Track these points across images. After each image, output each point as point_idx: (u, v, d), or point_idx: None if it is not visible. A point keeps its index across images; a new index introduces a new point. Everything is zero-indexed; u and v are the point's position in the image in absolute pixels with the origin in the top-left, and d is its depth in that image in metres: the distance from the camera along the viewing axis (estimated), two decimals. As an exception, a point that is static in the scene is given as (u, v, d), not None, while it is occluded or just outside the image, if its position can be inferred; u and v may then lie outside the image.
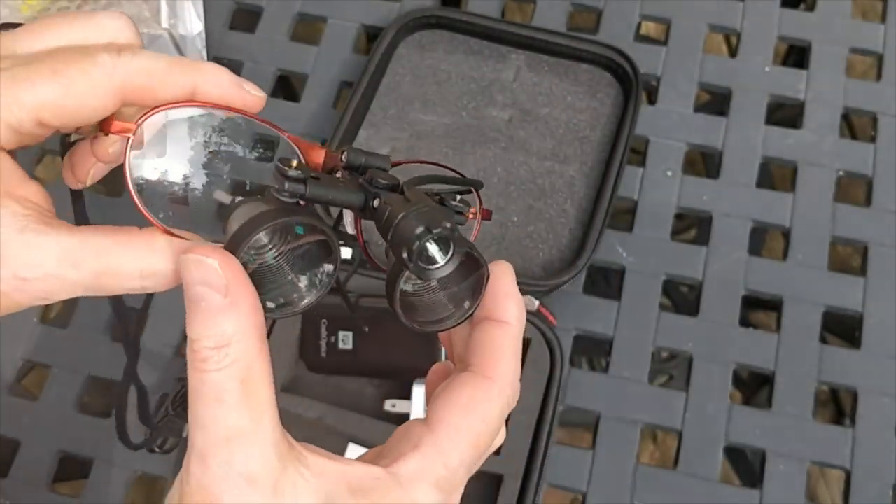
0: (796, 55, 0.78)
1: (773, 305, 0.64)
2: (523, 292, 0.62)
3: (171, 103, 0.29)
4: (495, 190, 0.67)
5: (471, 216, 0.34)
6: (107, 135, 0.29)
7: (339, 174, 0.31)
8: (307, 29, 0.79)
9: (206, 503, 0.26)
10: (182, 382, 0.61)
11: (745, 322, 0.64)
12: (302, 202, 0.28)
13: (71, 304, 0.68)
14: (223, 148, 0.32)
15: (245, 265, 0.27)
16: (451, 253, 0.28)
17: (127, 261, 0.28)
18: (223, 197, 0.32)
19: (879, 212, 0.66)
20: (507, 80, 0.71)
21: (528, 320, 0.61)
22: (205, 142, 0.32)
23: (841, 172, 0.68)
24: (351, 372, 0.62)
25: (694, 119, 0.70)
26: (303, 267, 0.29)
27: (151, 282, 0.28)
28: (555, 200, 0.66)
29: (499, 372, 0.30)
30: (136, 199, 0.28)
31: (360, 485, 0.28)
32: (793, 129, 0.69)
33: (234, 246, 0.27)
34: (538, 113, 0.69)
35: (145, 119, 0.29)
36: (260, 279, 0.28)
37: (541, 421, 0.59)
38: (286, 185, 0.27)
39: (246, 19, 0.77)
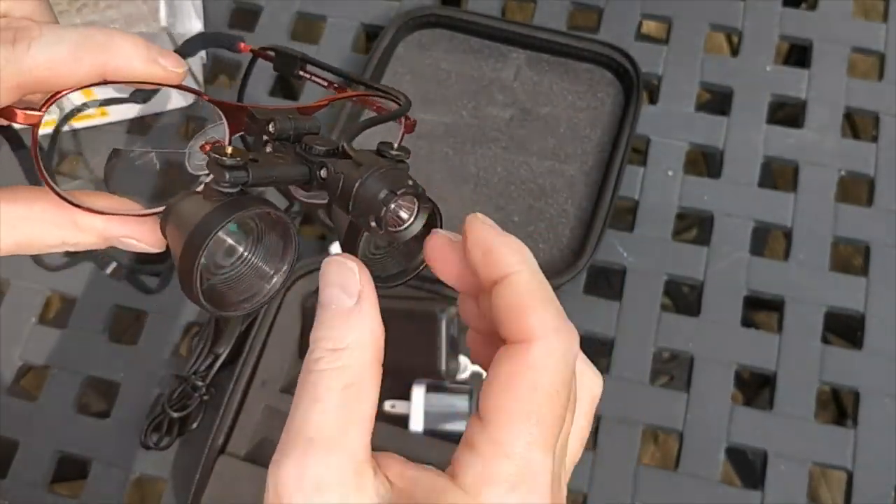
0: (798, 54, 0.78)
1: (775, 305, 0.64)
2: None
3: (77, 87, 0.27)
4: (495, 190, 0.67)
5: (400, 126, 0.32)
6: (9, 125, 0.28)
7: (268, 148, 0.29)
8: (307, 28, 0.78)
9: (277, 502, 0.25)
10: (180, 381, 0.61)
11: (746, 322, 0.63)
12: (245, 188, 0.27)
13: (70, 305, 0.68)
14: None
15: (208, 269, 0.27)
16: (416, 210, 0.27)
17: (50, 234, 0.28)
18: (148, 167, 0.31)
19: (881, 211, 0.66)
20: (507, 79, 0.70)
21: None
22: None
23: (843, 172, 0.67)
24: (351, 372, 0.62)
25: (695, 118, 0.70)
26: (265, 257, 0.29)
27: (74, 248, 0.29)
28: (555, 200, 0.66)
29: (527, 328, 0.25)
30: (51, 185, 0.27)
31: (426, 499, 0.25)
32: (794, 129, 0.69)
33: (192, 253, 0.26)
34: (538, 112, 0.69)
35: (50, 105, 0.27)
36: (230, 281, 0.28)
37: (541, 421, 0.59)
38: (227, 176, 0.26)
39: (245, 18, 0.76)
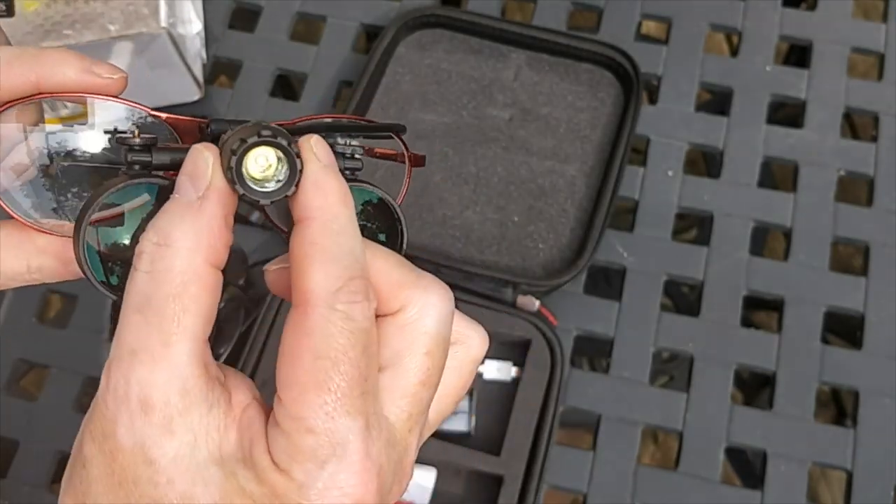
0: (797, 54, 0.78)
1: (775, 306, 0.64)
2: (524, 292, 0.62)
3: (10, 102, 0.27)
4: (495, 190, 0.67)
5: (398, 160, 0.31)
6: None
7: None
8: (307, 28, 0.78)
9: (101, 425, 0.24)
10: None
11: (746, 322, 0.63)
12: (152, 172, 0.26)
13: (70, 305, 0.68)
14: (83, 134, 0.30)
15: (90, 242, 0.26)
16: (286, 169, 0.25)
17: (14, 260, 0.28)
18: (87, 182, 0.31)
19: (881, 212, 0.66)
20: (507, 79, 0.70)
21: (528, 321, 0.61)
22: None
23: (842, 172, 0.67)
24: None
25: (695, 118, 0.70)
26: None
27: (39, 276, 0.28)
28: (555, 200, 0.66)
29: (307, 288, 0.24)
30: (4, 205, 0.27)
31: (249, 447, 0.24)
32: (794, 129, 0.69)
33: (77, 225, 0.25)
34: (539, 112, 0.69)
35: None
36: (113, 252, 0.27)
37: (541, 421, 0.59)
38: (129, 157, 0.25)
39: (245, 18, 0.76)
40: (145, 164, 0.26)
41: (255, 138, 0.24)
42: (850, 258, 0.73)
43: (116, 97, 0.28)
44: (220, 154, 0.25)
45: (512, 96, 0.70)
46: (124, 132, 0.26)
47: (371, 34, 0.76)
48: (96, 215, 0.26)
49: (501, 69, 0.71)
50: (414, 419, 0.26)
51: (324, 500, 0.23)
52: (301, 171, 0.25)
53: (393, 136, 0.31)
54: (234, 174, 0.24)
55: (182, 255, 0.24)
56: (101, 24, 0.63)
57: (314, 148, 0.25)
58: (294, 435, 0.23)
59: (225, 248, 0.25)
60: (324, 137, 0.26)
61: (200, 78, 0.71)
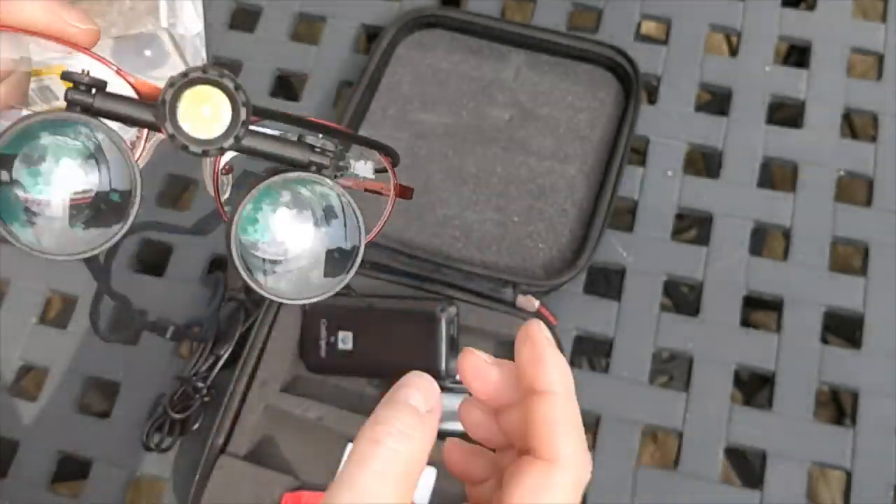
0: (797, 55, 0.78)
1: (774, 306, 0.64)
2: (524, 292, 0.62)
3: None
4: (495, 190, 0.67)
5: (384, 192, 0.30)
6: None
7: None
8: (307, 28, 0.78)
9: None
10: (181, 382, 0.61)
11: (745, 322, 0.63)
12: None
13: (70, 306, 0.68)
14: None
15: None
16: (229, 109, 0.22)
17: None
18: None
19: (880, 212, 0.66)
20: (507, 79, 0.70)
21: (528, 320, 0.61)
22: None
23: (842, 172, 0.67)
24: (351, 372, 0.62)
25: (694, 119, 0.70)
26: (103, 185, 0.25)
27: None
28: (555, 200, 0.66)
29: (556, 451, 0.28)
30: None
31: None
32: (793, 129, 0.69)
33: None
34: (538, 112, 0.69)
35: None
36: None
37: (541, 421, 0.59)
38: (69, 95, 0.23)
39: (245, 19, 0.76)
40: (86, 107, 0.24)
41: (199, 73, 0.22)
42: (850, 258, 0.73)
43: (86, 50, 0.27)
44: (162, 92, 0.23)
45: (512, 96, 0.70)
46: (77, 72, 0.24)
47: (371, 34, 0.76)
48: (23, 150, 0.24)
49: (501, 69, 0.71)
50: None
51: None
52: (244, 123, 0.23)
53: (382, 157, 0.30)
54: (167, 109, 0.22)
55: (417, 447, 0.27)
56: (102, 24, 0.63)
57: (545, 331, 0.30)
58: None
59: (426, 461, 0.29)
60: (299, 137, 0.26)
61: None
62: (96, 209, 0.26)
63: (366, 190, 0.32)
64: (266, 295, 0.26)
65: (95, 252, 0.25)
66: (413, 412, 0.28)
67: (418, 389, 0.29)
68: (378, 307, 0.61)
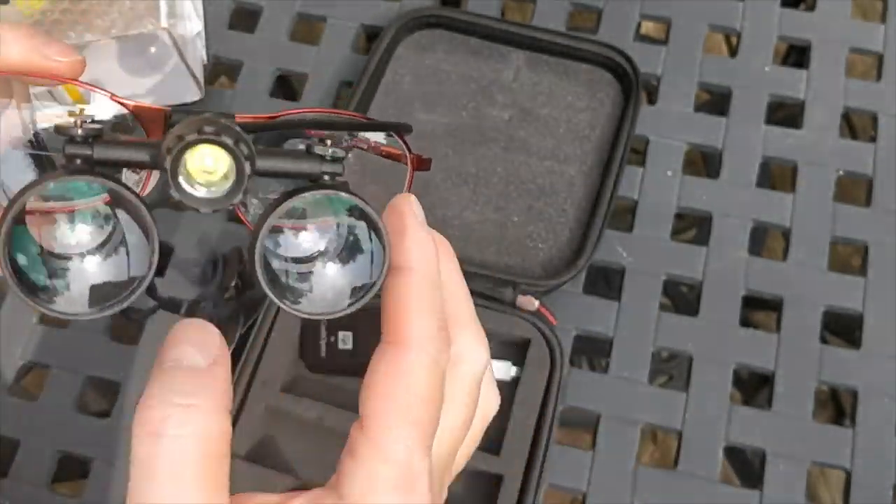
0: (796, 55, 0.78)
1: (774, 305, 0.64)
2: (523, 292, 0.62)
3: None
4: (495, 190, 0.67)
5: (403, 161, 0.29)
6: None
7: None
8: (306, 28, 0.78)
9: None
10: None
11: (745, 322, 0.63)
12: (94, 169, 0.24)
13: (70, 304, 0.68)
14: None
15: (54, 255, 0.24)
16: (234, 170, 0.21)
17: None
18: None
19: (880, 212, 0.66)
20: (506, 79, 0.71)
21: (528, 320, 0.61)
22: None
23: (841, 172, 0.68)
24: (351, 372, 0.62)
25: (694, 119, 0.70)
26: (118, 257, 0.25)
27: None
28: (555, 200, 0.66)
29: (407, 333, 0.25)
30: None
31: None
32: (793, 129, 0.69)
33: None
34: (538, 113, 0.69)
35: None
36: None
37: (541, 421, 0.59)
38: (66, 149, 0.23)
39: (245, 19, 0.76)
40: (86, 159, 0.23)
41: (195, 136, 0.22)
42: (849, 258, 0.73)
43: (73, 80, 0.27)
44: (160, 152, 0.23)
45: (511, 97, 0.70)
46: (69, 122, 0.24)
47: (371, 34, 0.76)
48: (32, 206, 0.24)
49: (501, 69, 0.71)
50: (451, 457, 0.28)
51: None
52: (248, 176, 0.23)
53: (394, 136, 0.30)
54: (169, 176, 0.22)
55: (208, 417, 0.24)
56: (102, 24, 0.63)
57: (414, 206, 0.27)
58: (370, 462, 0.24)
59: (230, 417, 0.25)
60: (296, 136, 0.26)
61: (200, 78, 0.71)
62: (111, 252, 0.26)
63: (384, 155, 0.31)
64: (289, 310, 0.26)
65: (123, 305, 0.25)
66: (189, 376, 0.24)
67: (189, 343, 0.24)
68: (378, 307, 0.61)
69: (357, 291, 0.26)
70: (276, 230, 0.27)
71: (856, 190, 0.69)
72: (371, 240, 0.27)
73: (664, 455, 0.99)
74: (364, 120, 0.30)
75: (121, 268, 0.26)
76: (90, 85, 0.27)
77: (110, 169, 0.24)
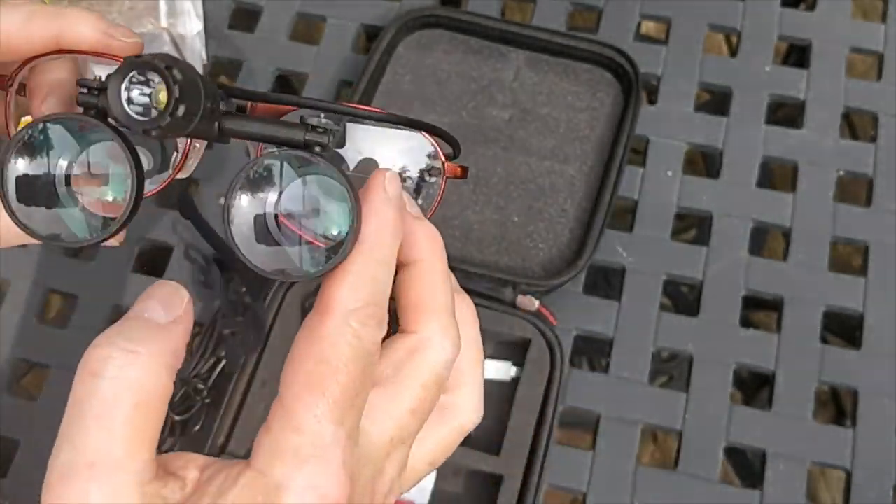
0: (797, 55, 0.78)
1: (774, 305, 0.64)
2: (523, 292, 0.62)
3: (32, 58, 0.29)
4: (495, 189, 0.67)
5: (442, 171, 0.29)
6: None
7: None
8: (306, 28, 0.78)
9: None
10: (182, 383, 0.61)
11: (745, 322, 0.63)
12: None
13: (70, 305, 0.68)
14: None
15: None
16: (169, 98, 0.23)
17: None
18: None
19: (880, 212, 0.66)
20: (506, 79, 0.71)
21: (528, 320, 0.61)
22: None
23: (841, 172, 0.68)
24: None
25: (694, 119, 0.70)
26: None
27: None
28: (555, 200, 0.66)
29: (329, 302, 0.25)
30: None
31: (220, 489, 0.24)
32: (793, 129, 0.69)
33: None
34: (538, 112, 0.69)
35: (17, 75, 0.29)
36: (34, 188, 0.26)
37: (541, 421, 0.59)
38: (80, 98, 0.25)
39: (245, 19, 0.76)
40: (91, 106, 0.25)
41: (134, 58, 0.24)
42: (850, 258, 0.73)
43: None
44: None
45: (511, 96, 0.70)
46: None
47: (371, 34, 0.76)
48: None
49: (501, 69, 0.71)
50: (395, 444, 0.26)
51: (300, 499, 0.23)
52: (177, 99, 0.24)
53: (426, 135, 0.30)
54: (108, 93, 0.24)
55: (153, 368, 0.24)
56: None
57: (386, 180, 0.26)
58: (281, 433, 0.24)
59: (174, 373, 0.25)
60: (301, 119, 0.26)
61: (200, 78, 0.71)
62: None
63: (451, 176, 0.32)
64: (252, 266, 0.25)
65: (111, 231, 0.26)
66: (143, 325, 0.24)
67: (153, 298, 0.25)
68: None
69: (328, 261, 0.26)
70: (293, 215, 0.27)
71: (856, 190, 0.69)
72: (342, 219, 0.27)
73: (664, 455, 0.99)
74: (384, 114, 0.30)
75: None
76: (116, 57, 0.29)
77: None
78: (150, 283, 0.70)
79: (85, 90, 0.25)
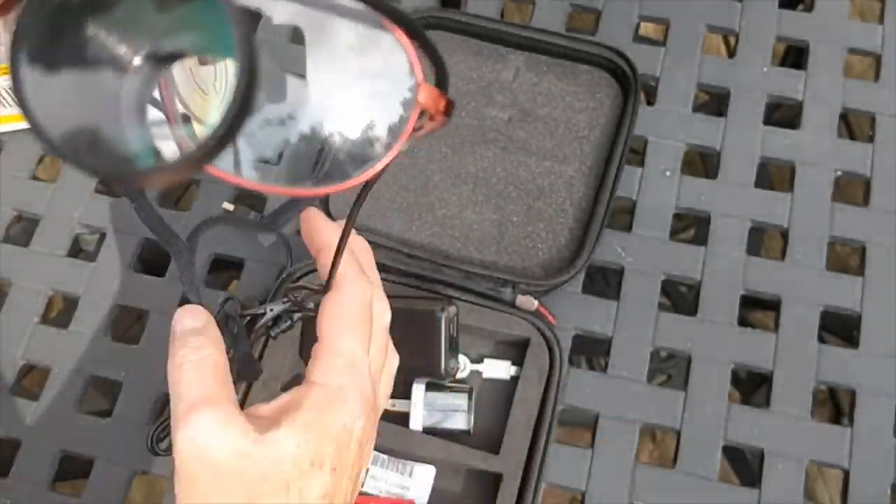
0: (794, 56, 0.78)
1: (772, 305, 0.65)
2: (523, 292, 0.62)
3: None
4: (494, 190, 0.67)
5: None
6: None
7: None
8: (307, 29, 0.78)
9: (189, 448, 0.32)
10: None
11: (743, 322, 0.64)
12: None
13: (72, 305, 0.68)
14: None
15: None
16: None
17: None
18: None
19: (877, 212, 0.66)
20: (506, 80, 0.71)
21: (527, 320, 0.62)
22: None
23: (839, 172, 0.68)
24: (351, 371, 0.62)
25: (692, 119, 0.70)
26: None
27: None
28: (554, 200, 0.67)
29: (341, 277, 0.38)
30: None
31: (296, 401, 0.35)
32: (791, 130, 0.69)
33: None
34: (537, 113, 0.70)
35: None
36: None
37: (540, 420, 0.59)
38: None
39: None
40: None
41: None
42: (847, 258, 0.73)
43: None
44: None
45: (511, 97, 0.70)
46: None
47: (370, 35, 0.76)
48: None
49: (500, 70, 0.71)
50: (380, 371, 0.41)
51: (353, 397, 0.35)
52: None
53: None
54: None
55: (212, 348, 0.36)
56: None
57: (319, 219, 0.40)
58: (328, 356, 0.36)
59: (224, 350, 0.36)
60: None
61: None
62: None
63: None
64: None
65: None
66: (189, 332, 0.35)
67: (187, 316, 0.36)
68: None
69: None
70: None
71: (854, 190, 0.69)
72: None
73: (663, 454, 1.00)
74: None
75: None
76: None
77: None
78: (150, 283, 0.70)
79: None
